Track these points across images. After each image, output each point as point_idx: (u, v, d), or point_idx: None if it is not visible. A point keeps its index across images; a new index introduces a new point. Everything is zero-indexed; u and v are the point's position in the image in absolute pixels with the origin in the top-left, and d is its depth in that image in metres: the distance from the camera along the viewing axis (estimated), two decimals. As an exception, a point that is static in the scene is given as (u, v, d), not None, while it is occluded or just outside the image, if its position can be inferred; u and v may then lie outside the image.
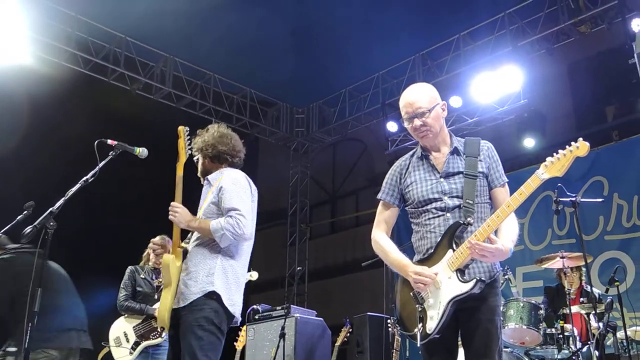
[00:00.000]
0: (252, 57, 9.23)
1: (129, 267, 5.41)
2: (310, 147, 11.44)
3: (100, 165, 3.47)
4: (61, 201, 3.31)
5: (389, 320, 5.78)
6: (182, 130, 3.76)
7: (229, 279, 3.37)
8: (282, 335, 5.57)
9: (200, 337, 3.21)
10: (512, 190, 2.72)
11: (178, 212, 3.45)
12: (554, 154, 2.61)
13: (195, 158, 3.75)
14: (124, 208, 8.50)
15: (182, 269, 3.43)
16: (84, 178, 3.43)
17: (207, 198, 3.58)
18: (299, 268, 9.74)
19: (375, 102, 9.86)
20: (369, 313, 7.38)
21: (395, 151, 9.39)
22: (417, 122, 2.90)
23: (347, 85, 10.27)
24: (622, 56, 7.29)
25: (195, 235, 3.53)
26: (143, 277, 5.39)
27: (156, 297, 5.34)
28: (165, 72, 9.37)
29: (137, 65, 9.03)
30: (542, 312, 5.25)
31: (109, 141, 3.55)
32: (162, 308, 3.39)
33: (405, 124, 2.97)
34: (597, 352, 4.84)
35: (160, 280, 5.34)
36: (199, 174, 3.78)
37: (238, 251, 3.47)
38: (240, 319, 3.43)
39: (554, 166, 2.59)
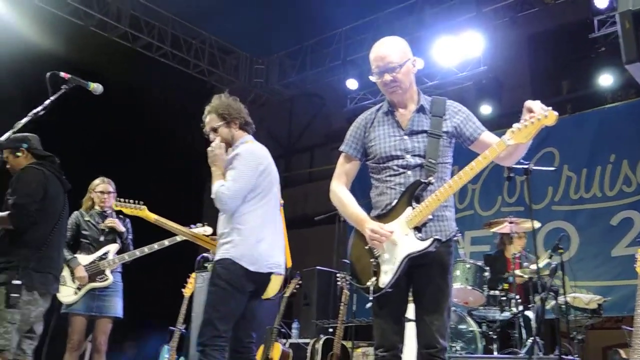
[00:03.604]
0: (213, 1, 8.93)
1: (74, 212, 5.23)
2: (268, 100, 11.28)
3: (52, 98, 3.30)
4: (9, 133, 3.18)
5: (337, 275, 5.84)
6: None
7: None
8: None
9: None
10: (471, 158, 2.71)
11: (216, 153, 3.61)
12: (522, 120, 2.57)
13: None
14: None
15: None
16: (34, 111, 3.28)
17: None
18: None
19: (337, 58, 9.72)
20: (317, 267, 7.47)
21: (353, 109, 9.36)
22: (388, 77, 2.85)
23: (309, 39, 10.09)
24: (583, 31, 7.39)
25: None
26: (87, 219, 5.26)
27: (102, 239, 5.23)
28: (121, 10, 8.99)
29: (92, 0, 8.64)
30: (487, 274, 5.40)
31: (62, 74, 3.38)
32: None
33: (375, 78, 2.91)
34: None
35: (107, 224, 5.25)
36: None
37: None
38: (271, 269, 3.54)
39: (520, 133, 2.56)
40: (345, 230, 7.02)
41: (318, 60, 10.10)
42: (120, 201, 4.38)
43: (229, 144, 3.71)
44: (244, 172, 3.54)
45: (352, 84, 9.32)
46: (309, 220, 8.27)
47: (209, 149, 3.66)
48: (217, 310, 3.40)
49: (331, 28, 9.71)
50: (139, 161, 9.07)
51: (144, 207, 4.27)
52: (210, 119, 3.75)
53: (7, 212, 3.71)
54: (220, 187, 3.49)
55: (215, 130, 3.71)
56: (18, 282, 3.59)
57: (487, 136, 2.87)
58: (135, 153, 9.09)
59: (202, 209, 10.16)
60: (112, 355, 5.71)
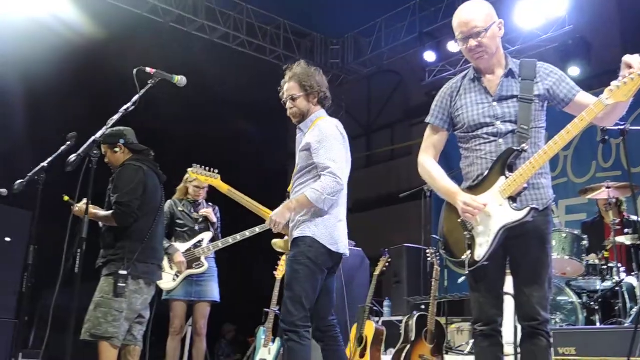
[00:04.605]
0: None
1: (167, 201, 5.36)
2: (345, 80, 11.23)
3: (141, 93, 3.44)
4: (103, 129, 3.32)
5: (427, 251, 5.77)
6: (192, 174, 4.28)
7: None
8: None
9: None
10: (563, 125, 2.56)
11: (275, 222, 3.49)
12: (620, 77, 2.41)
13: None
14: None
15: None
16: (125, 107, 3.42)
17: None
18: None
19: (412, 31, 9.51)
20: (405, 244, 7.41)
21: (432, 82, 9.16)
22: (473, 42, 2.74)
23: (383, 14, 9.92)
24: (677, -22, 6.87)
25: (295, 189, 3.60)
26: (181, 209, 5.45)
27: (196, 227, 5.41)
28: (197, 3, 9.20)
29: (169, -3, 8.88)
30: (584, 243, 5.18)
31: (148, 69, 3.51)
32: None
33: (459, 45, 2.81)
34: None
35: (202, 213, 5.43)
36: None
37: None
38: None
39: (619, 91, 2.40)
40: (432, 206, 6.91)
41: (393, 35, 9.91)
42: (195, 168, 4.28)
43: (302, 115, 3.62)
44: (341, 150, 3.47)
45: (429, 56, 9.12)
46: (394, 197, 8.21)
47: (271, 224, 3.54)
48: (304, 289, 3.33)
49: (404, 1, 9.52)
50: (221, 151, 9.26)
51: (218, 176, 4.16)
52: (290, 87, 3.62)
53: (110, 212, 3.91)
54: (325, 180, 3.36)
55: (293, 99, 3.61)
56: (124, 272, 3.77)
57: (583, 97, 2.71)
58: (217, 143, 9.29)
59: (286, 199, 10.28)
60: (211, 337, 5.93)
